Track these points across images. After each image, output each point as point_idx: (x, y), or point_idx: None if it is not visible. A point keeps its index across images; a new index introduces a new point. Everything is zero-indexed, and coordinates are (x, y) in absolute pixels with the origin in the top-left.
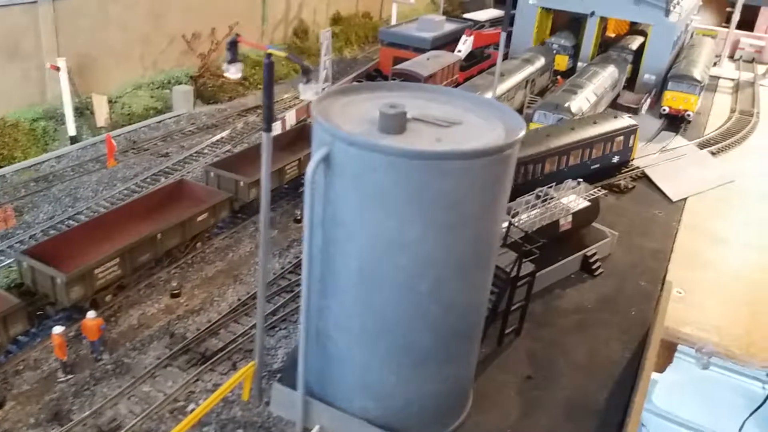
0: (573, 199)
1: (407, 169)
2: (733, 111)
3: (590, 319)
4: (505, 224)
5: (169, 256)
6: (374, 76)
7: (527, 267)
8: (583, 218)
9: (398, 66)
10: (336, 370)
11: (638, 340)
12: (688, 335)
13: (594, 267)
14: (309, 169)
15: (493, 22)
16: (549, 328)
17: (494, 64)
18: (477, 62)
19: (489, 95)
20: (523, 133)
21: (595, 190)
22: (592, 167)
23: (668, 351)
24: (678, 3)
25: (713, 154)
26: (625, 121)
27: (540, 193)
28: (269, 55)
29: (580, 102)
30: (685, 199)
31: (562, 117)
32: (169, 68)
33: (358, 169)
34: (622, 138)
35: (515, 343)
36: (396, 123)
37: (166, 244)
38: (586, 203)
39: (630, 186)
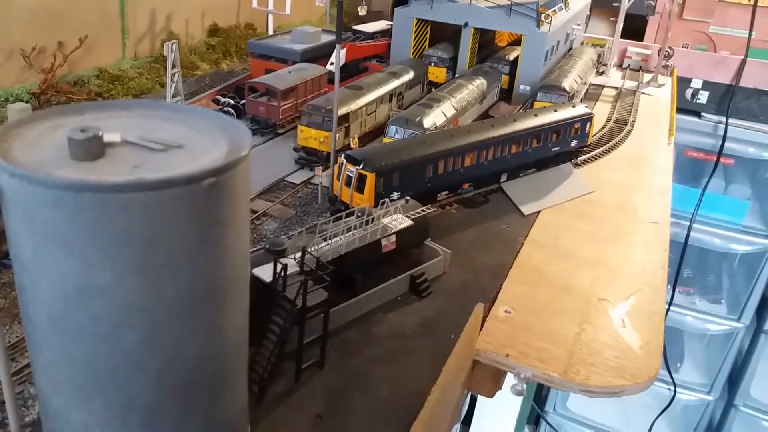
0: (397, 218)
1: (78, 205)
2: (608, 119)
3: (405, 346)
4: (298, 254)
5: None
6: (241, 89)
7: (320, 295)
8: (410, 238)
9: (254, 79)
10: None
11: None
12: (506, 360)
13: (422, 288)
14: None
15: (384, 34)
16: (357, 359)
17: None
18: (351, 75)
19: (343, 110)
20: (245, 153)
21: (423, 209)
22: (553, 149)
23: (495, 376)
24: (555, 13)
25: (577, 165)
26: (582, 109)
27: (360, 213)
28: None
29: (435, 117)
30: (538, 212)
31: (414, 132)
32: (8, 85)
33: (25, 204)
34: (579, 124)
35: (316, 378)
36: (88, 149)
37: None
38: (409, 222)
39: (483, 200)
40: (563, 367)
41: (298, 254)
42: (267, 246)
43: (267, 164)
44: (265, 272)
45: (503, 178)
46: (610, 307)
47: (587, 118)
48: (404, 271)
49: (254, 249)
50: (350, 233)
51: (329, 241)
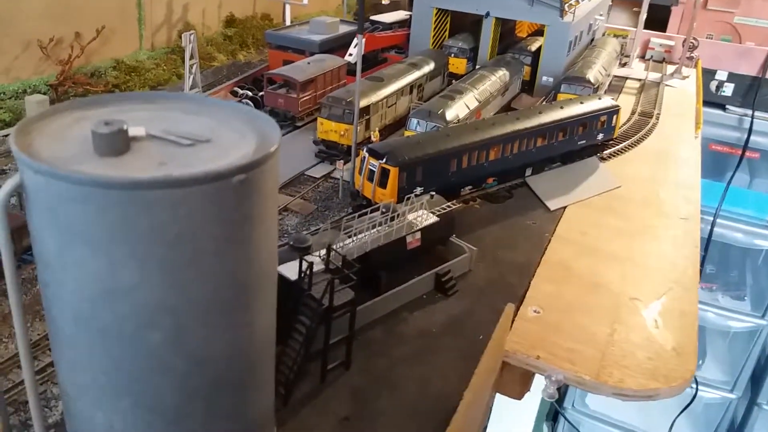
0: (421, 214)
1: (104, 202)
2: (633, 112)
3: (432, 346)
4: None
5: None
6: (259, 80)
7: (347, 295)
8: (435, 234)
9: (272, 71)
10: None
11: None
12: (537, 362)
13: (447, 286)
14: None
15: (402, 24)
16: (383, 359)
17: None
18: (370, 66)
19: (364, 102)
20: (274, 148)
21: (449, 204)
22: (579, 143)
23: (524, 378)
24: (577, 2)
25: (603, 159)
26: (608, 102)
27: (384, 209)
28: None
29: (457, 109)
30: (564, 207)
31: (436, 125)
32: (26, 77)
33: (50, 201)
34: (605, 117)
35: (342, 378)
36: (112, 143)
37: None
38: (434, 218)
39: (507, 195)
40: (595, 369)
41: (323, 251)
42: (291, 243)
43: (286, 158)
44: (290, 270)
45: (528, 172)
46: (641, 305)
47: (614, 111)
48: (429, 269)
49: (278, 245)
50: (375, 230)
51: (354, 238)
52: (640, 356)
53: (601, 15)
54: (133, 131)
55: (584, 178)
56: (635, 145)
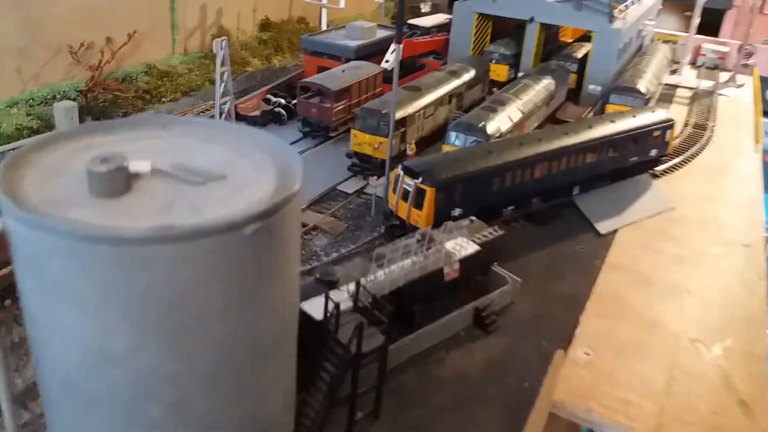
0: (460, 242)
1: (92, 258)
2: (686, 124)
3: (471, 394)
4: (352, 286)
5: None
6: (293, 87)
7: (376, 339)
8: (475, 264)
9: (306, 79)
10: None
11: (525, 423)
12: (589, 416)
13: (488, 321)
14: None
15: (441, 28)
16: (417, 408)
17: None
18: (407, 73)
19: (400, 113)
20: (296, 189)
21: (491, 231)
22: (630, 159)
23: (570, 429)
24: (626, 8)
25: (655, 176)
26: (662, 114)
27: (420, 237)
28: None
29: (499, 121)
30: (615, 230)
31: (476, 139)
32: (55, 83)
33: (32, 252)
34: (659, 132)
35: (371, 430)
36: (111, 183)
37: None
38: (475, 248)
39: (553, 216)
40: (654, 425)
41: (352, 285)
42: (317, 276)
43: (318, 171)
44: (315, 307)
45: (575, 190)
46: (702, 348)
47: (668, 125)
48: (468, 302)
49: (303, 271)
50: (409, 260)
51: (386, 270)
52: (704, 410)
53: (650, 20)
54: (137, 166)
55: (636, 197)
56: (689, 161)
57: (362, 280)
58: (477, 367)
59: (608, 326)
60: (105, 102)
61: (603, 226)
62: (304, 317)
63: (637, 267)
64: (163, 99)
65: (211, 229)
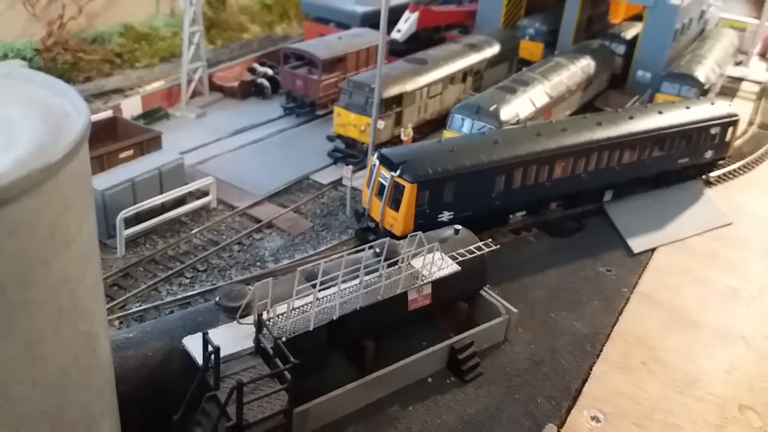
0: (436, 258)
1: None
2: (750, 123)
3: None
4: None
5: None
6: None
7: (275, 403)
8: (455, 288)
9: (290, 45)
10: None
11: None
12: None
13: (467, 367)
14: None
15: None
16: None
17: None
18: (422, 48)
19: (395, 89)
20: (55, 159)
21: (480, 245)
22: (680, 161)
23: None
24: None
25: (709, 183)
26: (724, 109)
27: (378, 250)
28: None
29: (519, 105)
30: (653, 249)
31: (486, 125)
32: (11, 39)
33: None
34: (718, 130)
35: None
36: None
37: None
38: (454, 267)
39: (576, 226)
40: None
41: (280, 307)
42: (218, 299)
43: (293, 155)
44: (198, 346)
45: (607, 196)
46: (756, 420)
47: (730, 122)
48: (442, 339)
49: (205, 291)
50: (354, 283)
51: (323, 294)
52: None
53: (716, 1)
54: None
55: (683, 209)
56: (752, 167)
57: (269, 312)
58: (444, 430)
59: (630, 382)
60: (65, 64)
61: (637, 243)
62: (184, 356)
63: (676, 301)
64: (137, 64)
65: None
